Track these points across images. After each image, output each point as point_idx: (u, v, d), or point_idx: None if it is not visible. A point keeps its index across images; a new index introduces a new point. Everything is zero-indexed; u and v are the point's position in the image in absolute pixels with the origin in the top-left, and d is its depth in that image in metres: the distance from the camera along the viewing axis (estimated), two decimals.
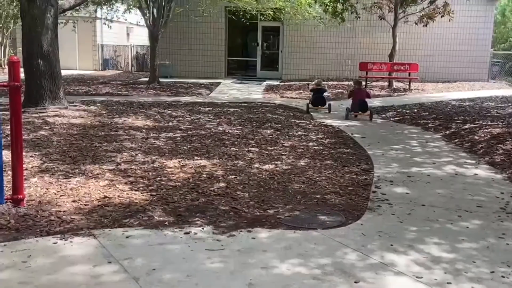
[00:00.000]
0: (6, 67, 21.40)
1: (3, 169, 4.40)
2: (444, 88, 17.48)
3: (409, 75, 17.31)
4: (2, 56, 22.33)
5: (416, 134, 9.12)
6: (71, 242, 3.74)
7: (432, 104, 12.96)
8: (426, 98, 14.50)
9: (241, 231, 4.09)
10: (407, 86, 17.11)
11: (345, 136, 8.65)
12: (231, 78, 20.48)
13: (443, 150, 7.69)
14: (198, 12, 18.60)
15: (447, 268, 3.51)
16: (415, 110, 11.90)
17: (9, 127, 4.46)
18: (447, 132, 9.11)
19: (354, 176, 5.97)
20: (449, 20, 17.04)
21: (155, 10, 16.82)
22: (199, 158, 6.58)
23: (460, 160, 7.03)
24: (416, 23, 17.07)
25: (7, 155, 4.95)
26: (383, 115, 11.38)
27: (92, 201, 4.72)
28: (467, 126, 9.37)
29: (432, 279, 3.32)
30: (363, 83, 12.60)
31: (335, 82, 18.68)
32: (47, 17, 10.07)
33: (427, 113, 11.44)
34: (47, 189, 5.00)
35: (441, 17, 16.64)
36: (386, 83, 17.87)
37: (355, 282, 3.24)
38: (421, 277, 3.34)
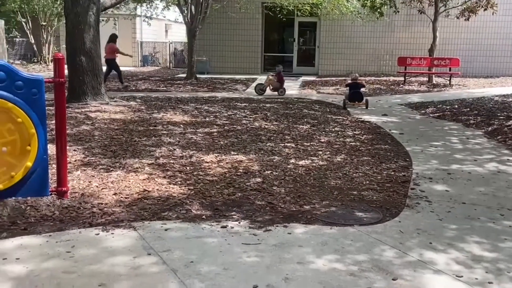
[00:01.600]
0: (51, 63, 22.17)
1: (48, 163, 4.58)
2: (486, 84, 16.94)
3: (450, 70, 16.85)
4: (47, 53, 23.10)
5: (456, 130, 8.89)
6: (112, 233, 3.86)
7: (473, 100, 12.59)
8: (467, 94, 14.09)
9: (277, 226, 4.11)
10: (448, 82, 16.67)
11: (382, 132, 8.53)
12: (267, 74, 20.47)
13: (485, 147, 7.47)
14: (235, 9, 18.69)
15: (489, 267, 3.42)
16: (456, 106, 11.59)
17: (53, 121, 4.62)
18: (489, 128, 8.84)
19: (392, 173, 5.88)
20: (492, 14, 16.48)
21: (193, 7, 17.02)
22: (235, 153, 6.64)
23: (503, 157, 6.80)
24: (458, 17, 16.59)
25: (51, 148, 5.14)
26: (422, 111, 11.14)
27: (132, 194, 4.84)
28: (510, 122, 9.05)
29: (473, 278, 3.25)
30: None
31: (373, 78, 18.40)
32: (90, 15, 10.35)
33: (468, 109, 11.12)
34: (89, 182, 5.17)
35: (484, 10, 16.11)
36: (425, 79, 17.47)
37: (393, 280, 3.21)
38: (461, 276, 3.27)
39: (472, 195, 5.08)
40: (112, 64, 14.48)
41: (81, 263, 3.34)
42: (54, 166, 4.78)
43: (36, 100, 4.29)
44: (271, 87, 13.51)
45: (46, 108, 4.45)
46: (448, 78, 16.77)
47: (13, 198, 4.30)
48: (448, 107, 11.53)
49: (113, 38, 14.68)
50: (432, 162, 6.46)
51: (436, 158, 6.67)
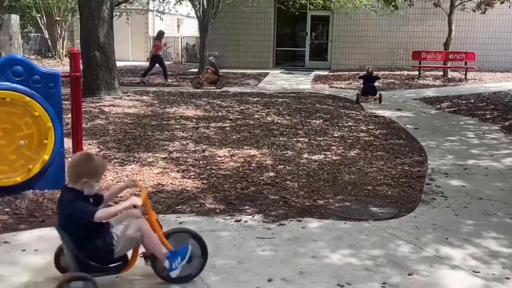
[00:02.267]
0: (65, 58, 22.33)
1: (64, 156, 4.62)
2: (503, 78, 16.71)
3: (465, 64, 16.62)
4: (61, 48, 23.27)
5: (472, 125, 8.78)
6: None
7: (490, 95, 12.43)
8: (483, 88, 13.91)
9: (291, 220, 4.11)
10: (463, 76, 16.46)
11: (397, 127, 8.46)
12: (279, 68, 20.42)
13: (502, 142, 7.38)
14: (248, 3, 18.63)
15: (506, 263, 3.39)
16: (472, 101, 11.45)
17: (69, 116, 4.66)
18: (506, 123, 8.72)
19: (407, 168, 5.83)
20: (509, 6, 16.20)
21: (205, 1, 17.00)
22: (248, 147, 6.64)
23: None
24: (474, 10, 16.36)
25: (67, 142, 5.18)
26: (438, 106, 11.03)
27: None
28: None
29: (490, 274, 3.22)
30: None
31: (387, 72, 18.24)
32: (103, 9, 10.39)
33: (484, 103, 10.98)
34: (104, 175, 5.19)
35: (501, 3, 15.84)
36: (440, 73, 17.27)
37: (409, 275, 3.19)
38: (478, 272, 3.24)
39: (489, 191, 5.03)
40: (155, 59, 14.69)
41: None
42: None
43: (53, 94, 4.33)
44: (208, 81, 13.50)
45: (62, 102, 4.48)
46: (464, 72, 16.55)
47: (31, 190, 4.36)
48: (463, 101, 11.40)
49: (158, 35, 14.90)
50: (448, 157, 6.40)
51: (452, 153, 6.60)
